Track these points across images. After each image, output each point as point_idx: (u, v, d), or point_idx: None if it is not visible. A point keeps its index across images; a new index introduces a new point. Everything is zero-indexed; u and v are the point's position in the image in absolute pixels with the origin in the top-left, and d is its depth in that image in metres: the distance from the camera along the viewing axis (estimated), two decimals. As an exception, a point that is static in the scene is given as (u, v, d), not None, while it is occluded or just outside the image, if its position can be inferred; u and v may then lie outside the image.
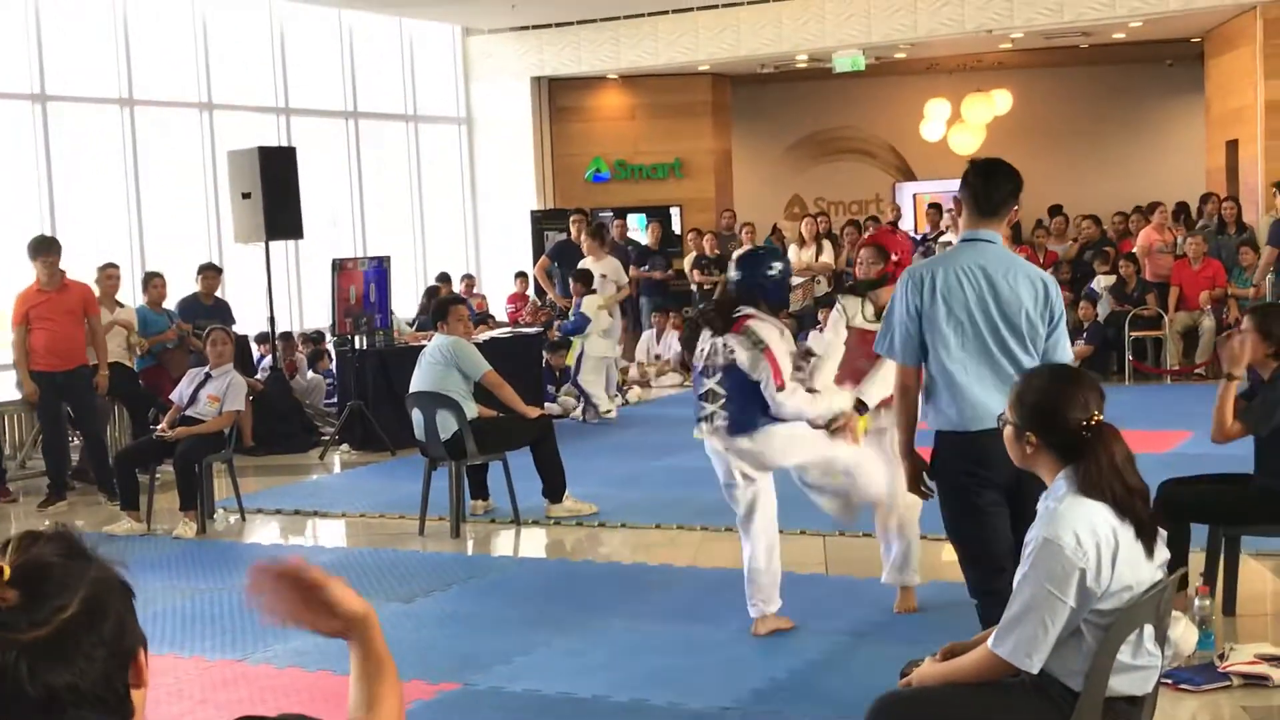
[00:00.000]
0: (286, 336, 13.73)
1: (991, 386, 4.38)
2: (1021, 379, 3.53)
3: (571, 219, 15.32)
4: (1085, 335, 13.86)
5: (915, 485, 4.62)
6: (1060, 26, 15.97)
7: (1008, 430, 3.39)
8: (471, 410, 8.36)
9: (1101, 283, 14.62)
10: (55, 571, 1.62)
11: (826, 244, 16.23)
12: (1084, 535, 3.13)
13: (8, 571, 1.60)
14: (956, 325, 4.43)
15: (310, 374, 13.82)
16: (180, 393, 9.06)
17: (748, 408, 5.70)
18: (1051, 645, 3.15)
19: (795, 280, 15.79)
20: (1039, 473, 3.35)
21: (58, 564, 1.62)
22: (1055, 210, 16.64)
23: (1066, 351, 4.52)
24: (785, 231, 18.56)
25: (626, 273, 14.19)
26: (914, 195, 20.69)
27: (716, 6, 16.91)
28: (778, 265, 5.94)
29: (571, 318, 12.88)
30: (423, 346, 9.22)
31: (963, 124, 19.38)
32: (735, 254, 6.58)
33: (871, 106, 20.50)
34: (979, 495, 4.41)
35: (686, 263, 16.87)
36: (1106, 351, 14.22)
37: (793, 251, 16.14)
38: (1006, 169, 4.61)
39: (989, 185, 4.54)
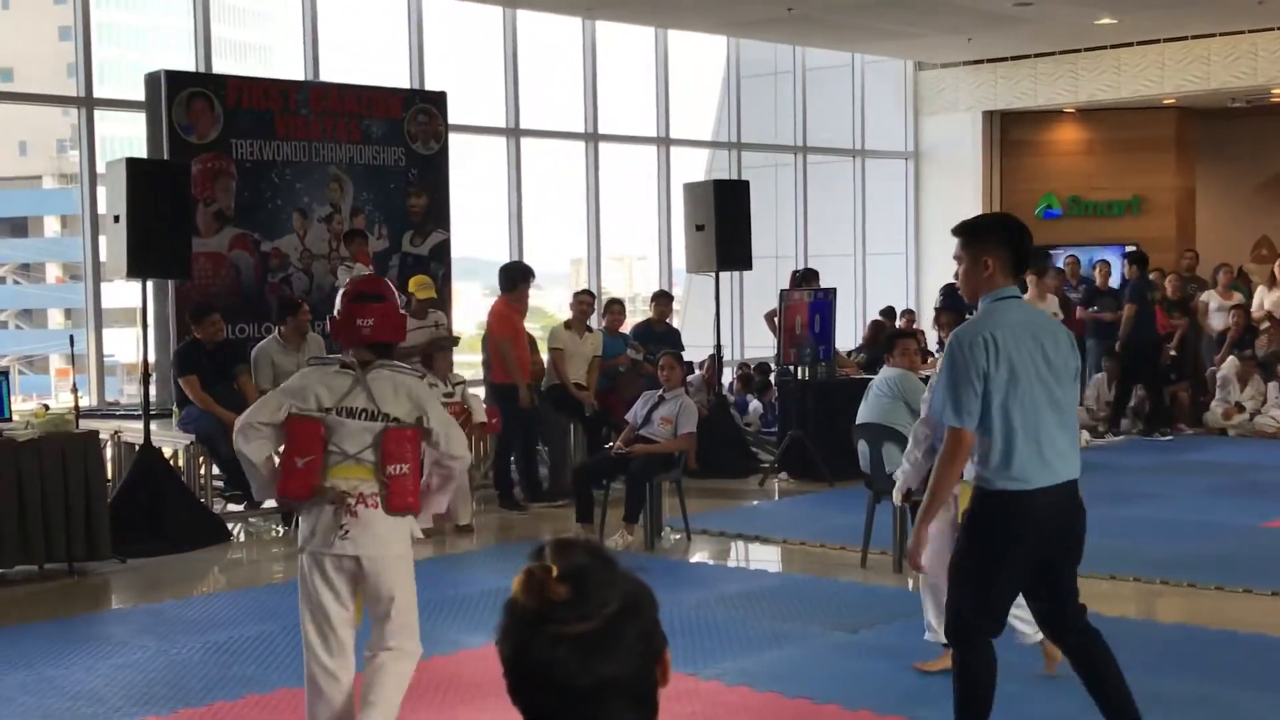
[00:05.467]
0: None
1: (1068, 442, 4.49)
2: None
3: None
4: None
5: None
6: None
7: None
8: (919, 444, 8.25)
9: None
10: (595, 572, 1.71)
11: (1297, 288, 15.11)
12: None
13: (556, 569, 1.69)
14: (1027, 383, 4.39)
15: (753, 403, 14.05)
16: (635, 413, 9.41)
17: None
18: None
19: (1264, 326, 14.86)
20: None
21: (595, 565, 1.72)
22: None
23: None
24: (1252, 275, 17.41)
25: (1069, 313, 13.73)
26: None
27: (1185, 38, 16.11)
28: None
29: None
30: (865, 380, 9.21)
31: None
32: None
33: (1356, 142, 18.95)
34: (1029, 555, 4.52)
35: (1142, 304, 16.08)
36: None
37: (1259, 294, 15.15)
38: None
39: (1026, 241, 4.57)
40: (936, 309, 5.46)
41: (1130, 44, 16.40)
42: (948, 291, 5.19)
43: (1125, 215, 18.07)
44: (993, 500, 4.39)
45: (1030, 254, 4.61)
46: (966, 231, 4.58)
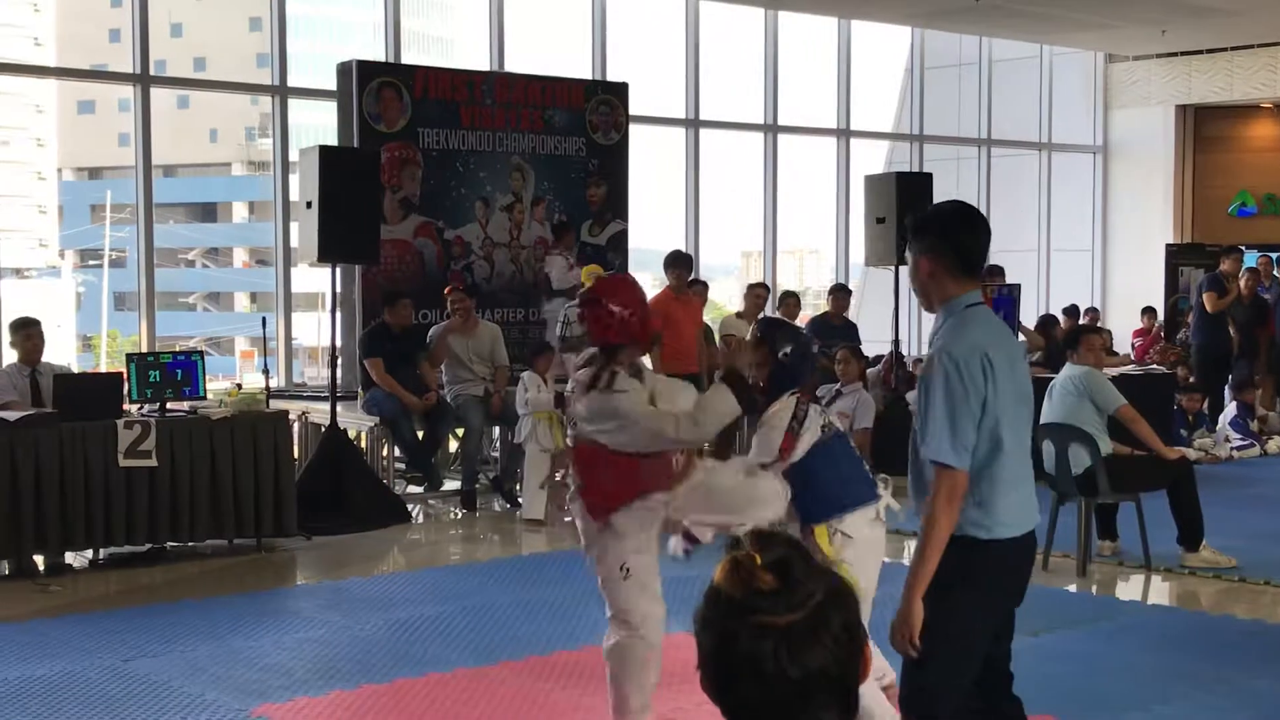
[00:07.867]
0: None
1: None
2: None
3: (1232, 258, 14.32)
4: None
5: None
6: None
7: None
8: (1106, 446, 8.04)
9: None
10: (797, 562, 1.67)
11: None
12: None
13: (760, 558, 1.65)
14: (1016, 413, 3.77)
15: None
16: (812, 407, 9.34)
17: None
18: None
19: None
20: None
21: (796, 556, 1.67)
22: None
23: None
24: None
25: (1266, 317, 13.24)
26: None
27: (1392, 29, 15.43)
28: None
29: None
30: (1047, 378, 8.96)
31: None
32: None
33: None
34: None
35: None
36: None
37: None
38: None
39: (969, 237, 3.79)
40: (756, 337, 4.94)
41: (1333, 36, 15.77)
42: (767, 326, 4.50)
43: (1324, 215, 17.37)
44: (992, 549, 3.75)
45: (984, 251, 3.84)
46: (908, 227, 3.89)
